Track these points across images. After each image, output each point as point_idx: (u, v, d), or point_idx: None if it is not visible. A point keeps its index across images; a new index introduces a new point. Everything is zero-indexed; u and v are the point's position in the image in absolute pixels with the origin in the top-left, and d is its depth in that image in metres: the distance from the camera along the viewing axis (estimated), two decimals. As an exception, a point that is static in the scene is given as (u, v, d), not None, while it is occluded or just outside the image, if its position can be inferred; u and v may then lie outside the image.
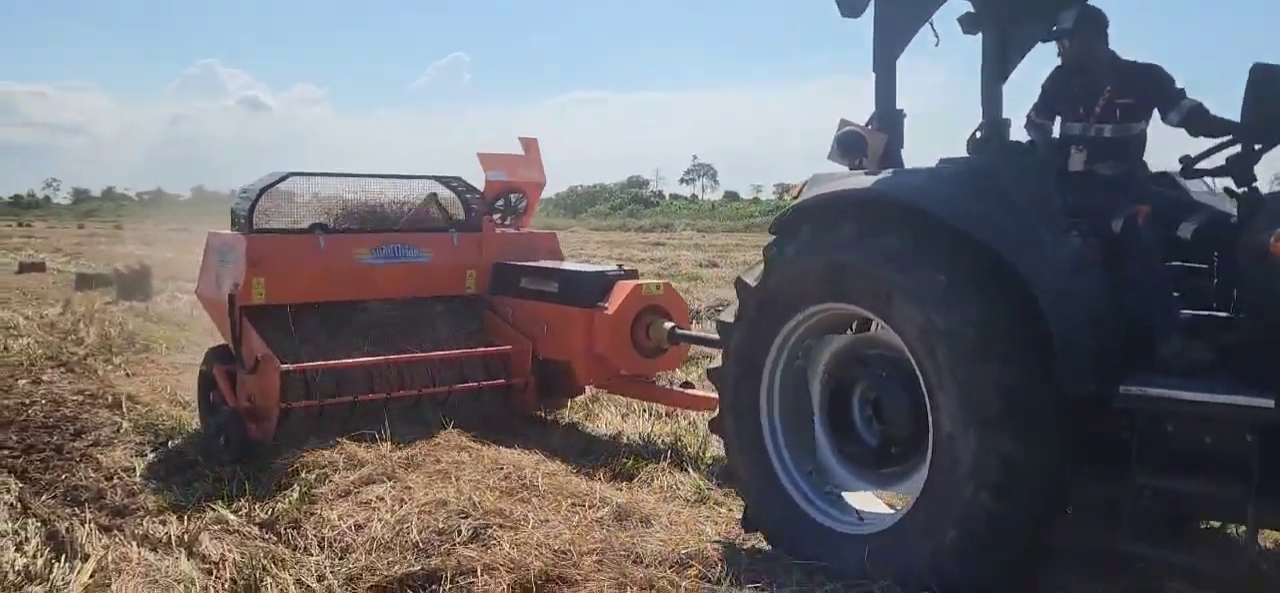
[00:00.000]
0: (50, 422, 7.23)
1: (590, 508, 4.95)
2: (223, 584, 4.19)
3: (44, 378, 8.80)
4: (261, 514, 5.29)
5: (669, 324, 6.80)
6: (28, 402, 7.77)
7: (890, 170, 4.33)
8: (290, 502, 5.36)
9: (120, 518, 5.28)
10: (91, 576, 4.25)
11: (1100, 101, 4.59)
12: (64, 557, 4.47)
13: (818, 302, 4.27)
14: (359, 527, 4.80)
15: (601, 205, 65.45)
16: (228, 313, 6.49)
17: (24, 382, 8.58)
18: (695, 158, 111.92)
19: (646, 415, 7.39)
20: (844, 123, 4.60)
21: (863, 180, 4.24)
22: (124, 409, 7.59)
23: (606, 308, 6.73)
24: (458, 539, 4.53)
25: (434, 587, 4.15)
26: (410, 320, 7.28)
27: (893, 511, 4.38)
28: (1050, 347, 3.65)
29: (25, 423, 7.17)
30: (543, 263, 7.60)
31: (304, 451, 5.81)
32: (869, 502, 4.49)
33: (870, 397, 4.35)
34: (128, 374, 9.19)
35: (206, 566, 4.47)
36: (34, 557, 4.43)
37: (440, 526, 4.66)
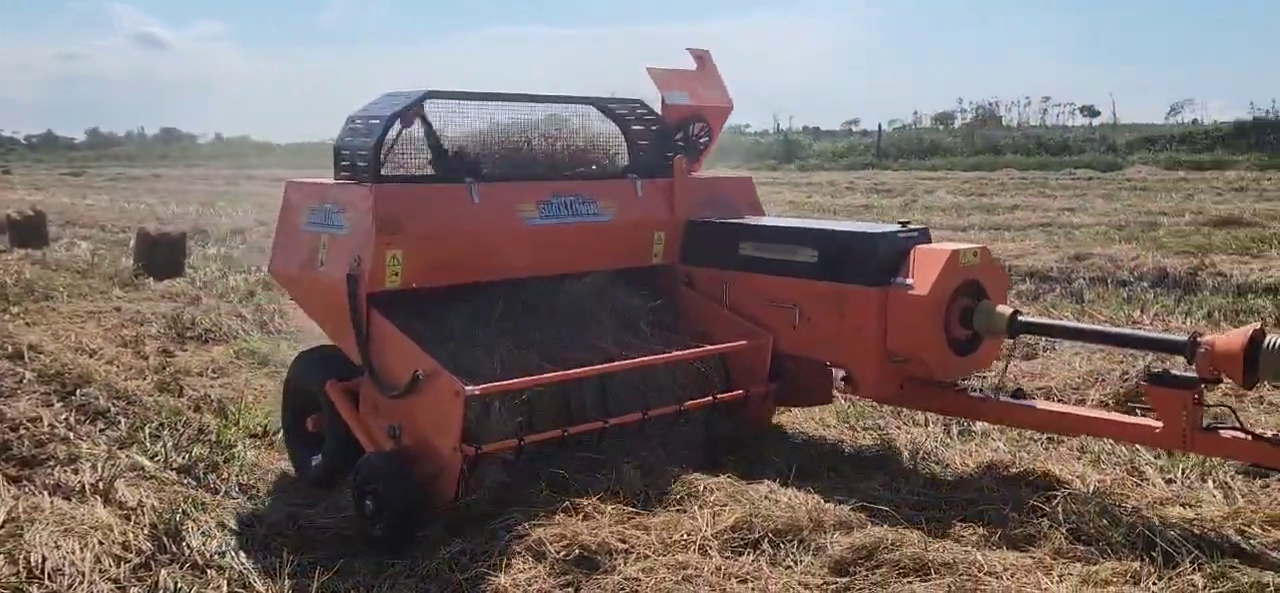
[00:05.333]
0: (-53, 375, 6.97)
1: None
2: (142, 530, 4.14)
3: (-63, 329, 8.47)
4: (179, 460, 5.24)
5: (1004, 308, 4.64)
6: (-79, 354, 7.49)
7: None
8: (208, 445, 5.34)
9: (29, 469, 5.13)
10: (2, 526, 4.15)
11: None
12: (-29, 509, 4.36)
13: None
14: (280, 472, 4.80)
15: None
16: (347, 302, 4.44)
17: (-84, 333, 8.26)
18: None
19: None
20: None
21: None
22: (26, 359, 7.35)
23: (911, 285, 4.60)
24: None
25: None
26: (575, 304, 5.23)
27: None
28: None
29: (-80, 376, 6.90)
30: (779, 221, 5.57)
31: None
32: None
33: None
34: (27, 324, 8.87)
35: (124, 512, 4.41)
36: (-61, 510, 4.31)
37: (363, 466, 4.68)
